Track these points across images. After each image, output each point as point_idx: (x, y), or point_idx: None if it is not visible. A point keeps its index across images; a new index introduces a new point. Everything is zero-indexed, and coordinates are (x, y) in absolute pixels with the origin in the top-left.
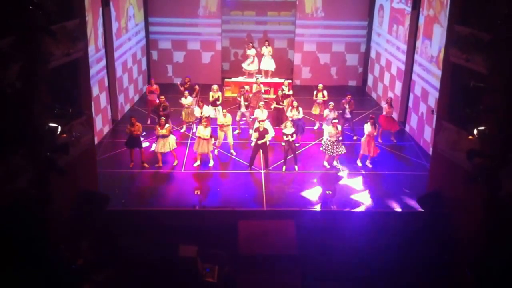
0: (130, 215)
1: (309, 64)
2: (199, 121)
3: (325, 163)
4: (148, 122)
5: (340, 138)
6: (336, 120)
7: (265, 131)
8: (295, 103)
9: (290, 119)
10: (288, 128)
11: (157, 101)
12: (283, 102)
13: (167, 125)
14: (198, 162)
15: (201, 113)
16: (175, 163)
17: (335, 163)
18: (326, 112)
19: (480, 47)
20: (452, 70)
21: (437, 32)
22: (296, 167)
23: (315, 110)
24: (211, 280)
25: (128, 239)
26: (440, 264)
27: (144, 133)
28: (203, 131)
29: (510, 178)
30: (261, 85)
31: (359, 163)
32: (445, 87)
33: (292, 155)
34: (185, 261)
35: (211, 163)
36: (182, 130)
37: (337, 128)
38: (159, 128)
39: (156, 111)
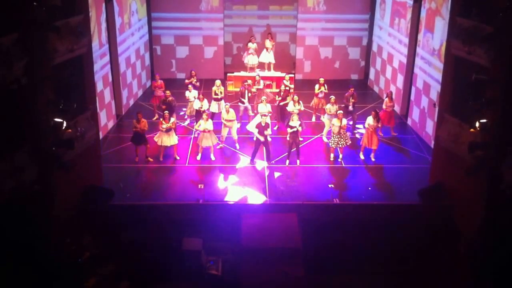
0: (134, 209)
1: (311, 58)
2: (199, 115)
3: (332, 156)
4: (155, 118)
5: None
6: (341, 112)
7: (267, 126)
8: (295, 97)
9: (295, 112)
10: (295, 121)
11: (163, 96)
12: (285, 99)
13: (172, 119)
14: (200, 156)
15: (201, 106)
16: (177, 157)
17: (341, 156)
18: (328, 106)
19: (482, 39)
20: (454, 62)
21: (439, 25)
22: (298, 161)
23: (314, 103)
24: (215, 272)
25: (133, 232)
26: (442, 256)
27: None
28: (204, 125)
29: (511, 170)
30: (261, 80)
31: (361, 156)
32: (447, 80)
33: (295, 149)
34: (190, 254)
35: (213, 158)
36: (185, 124)
37: (341, 121)
38: (164, 122)
39: (162, 105)
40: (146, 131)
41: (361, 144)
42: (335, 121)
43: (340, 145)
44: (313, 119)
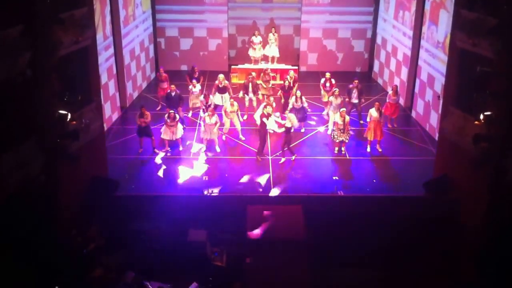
0: (139, 200)
1: (315, 50)
2: (204, 108)
3: (336, 149)
4: (158, 108)
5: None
6: (344, 109)
7: (268, 115)
8: (298, 93)
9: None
10: (292, 121)
11: (168, 89)
12: (289, 93)
13: (177, 117)
14: (205, 148)
15: (207, 102)
16: (180, 148)
17: (343, 149)
18: (331, 98)
19: (487, 31)
20: (459, 55)
21: (444, 17)
22: (292, 157)
23: (325, 98)
24: (219, 263)
25: (137, 223)
26: (446, 249)
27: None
28: (209, 121)
29: None
30: (270, 72)
31: (368, 149)
32: (451, 72)
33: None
34: (195, 245)
35: (218, 149)
36: (189, 115)
37: (344, 119)
38: (168, 121)
39: (166, 100)
40: (149, 124)
41: (367, 138)
42: (338, 119)
43: (342, 139)
44: (325, 112)
